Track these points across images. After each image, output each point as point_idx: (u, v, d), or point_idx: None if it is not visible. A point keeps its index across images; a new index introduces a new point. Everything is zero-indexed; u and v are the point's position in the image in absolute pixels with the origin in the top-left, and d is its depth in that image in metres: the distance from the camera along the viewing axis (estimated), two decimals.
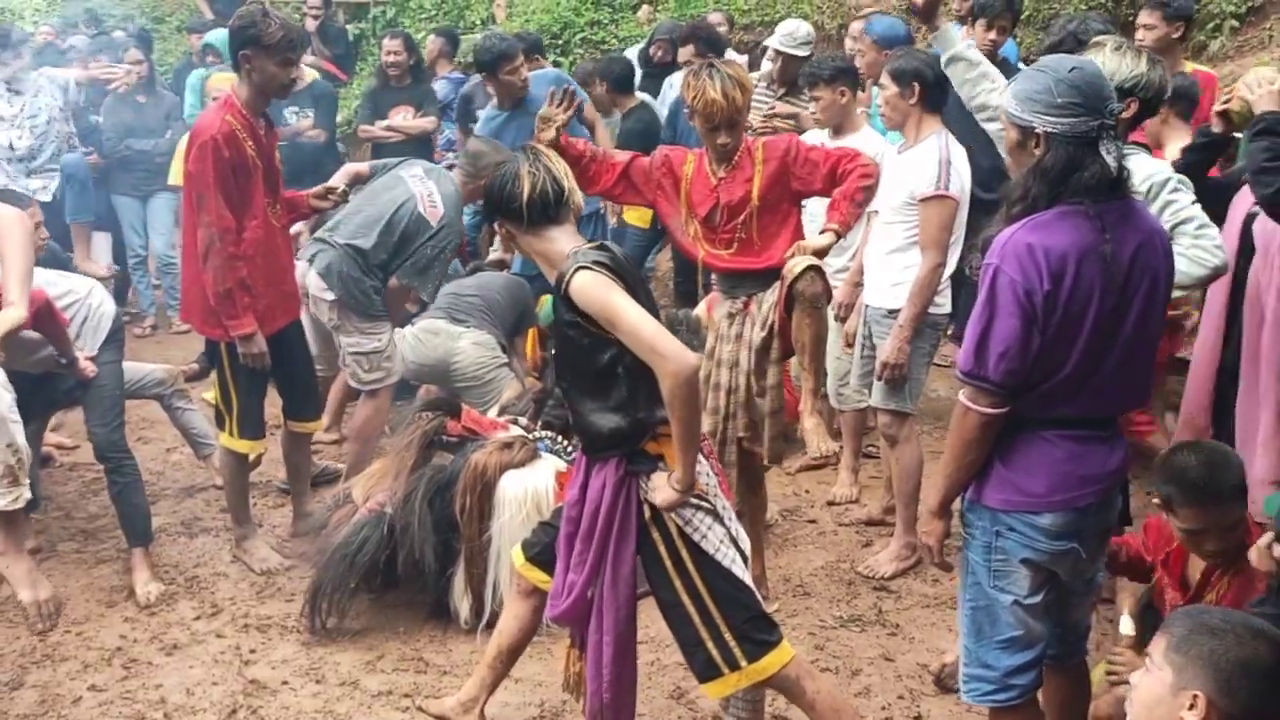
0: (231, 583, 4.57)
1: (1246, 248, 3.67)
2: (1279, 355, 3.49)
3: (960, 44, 3.94)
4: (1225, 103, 3.63)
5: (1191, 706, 2.07)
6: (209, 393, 6.09)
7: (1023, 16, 7.51)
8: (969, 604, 2.80)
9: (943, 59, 3.97)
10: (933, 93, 4.35)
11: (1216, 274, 3.48)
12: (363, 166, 5.18)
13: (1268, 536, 2.54)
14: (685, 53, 6.47)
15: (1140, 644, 3.17)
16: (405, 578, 4.17)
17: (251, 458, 4.74)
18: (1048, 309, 2.52)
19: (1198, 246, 3.38)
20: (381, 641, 4.12)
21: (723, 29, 7.45)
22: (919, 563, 4.57)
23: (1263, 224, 3.60)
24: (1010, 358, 2.54)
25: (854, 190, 3.71)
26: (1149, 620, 3.19)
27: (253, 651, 4.07)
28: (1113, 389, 2.65)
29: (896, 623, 4.22)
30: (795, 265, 3.59)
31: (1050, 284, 2.50)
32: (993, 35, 5.52)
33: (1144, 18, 5.30)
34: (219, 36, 8.85)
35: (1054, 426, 2.64)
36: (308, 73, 8.39)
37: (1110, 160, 2.55)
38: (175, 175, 7.64)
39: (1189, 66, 5.43)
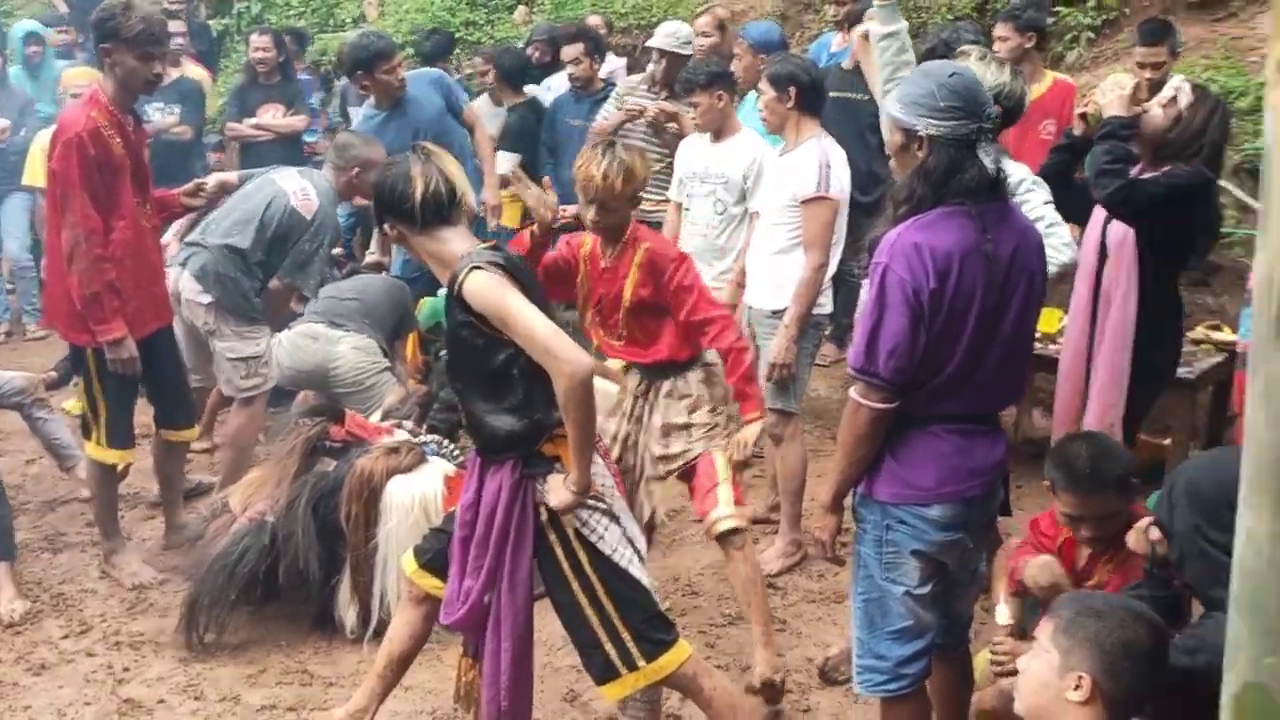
0: (100, 599, 4.38)
1: (1105, 248, 3.85)
2: (1118, 337, 3.71)
3: (901, 23, 3.92)
4: (1084, 106, 3.81)
5: (1077, 687, 2.15)
6: (69, 402, 5.87)
7: None
8: (861, 596, 2.86)
9: (880, 32, 3.91)
10: (809, 96, 4.43)
11: (1064, 270, 3.64)
12: (231, 176, 5.04)
13: (1145, 521, 2.66)
14: (573, 50, 6.44)
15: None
16: (288, 588, 4.06)
17: (120, 468, 4.56)
18: (934, 306, 2.59)
19: (1047, 245, 3.52)
20: (263, 655, 4.01)
21: (602, 32, 7.47)
22: (804, 559, 4.65)
23: (1115, 226, 3.79)
24: (899, 354, 2.61)
25: (747, 373, 3.64)
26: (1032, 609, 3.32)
27: (126, 670, 3.92)
28: (994, 385, 2.74)
29: (783, 619, 4.28)
30: (719, 519, 3.61)
31: (936, 282, 2.58)
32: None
33: (998, 29, 5.56)
34: (37, 25, 8.54)
35: (941, 421, 2.72)
36: (191, 69, 8.17)
37: (989, 162, 2.64)
38: (31, 175, 7.30)
39: (1050, 76, 5.68)
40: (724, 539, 3.66)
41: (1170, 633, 2.37)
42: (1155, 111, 3.69)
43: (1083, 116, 3.79)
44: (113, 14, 4.09)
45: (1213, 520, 2.48)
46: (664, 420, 3.77)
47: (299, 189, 4.80)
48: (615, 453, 3.78)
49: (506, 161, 6.67)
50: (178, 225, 5.29)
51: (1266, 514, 1.14)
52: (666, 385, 3.77)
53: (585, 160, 3.55)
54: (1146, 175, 3.67)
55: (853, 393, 2.70)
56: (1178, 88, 3.68)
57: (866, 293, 2.69)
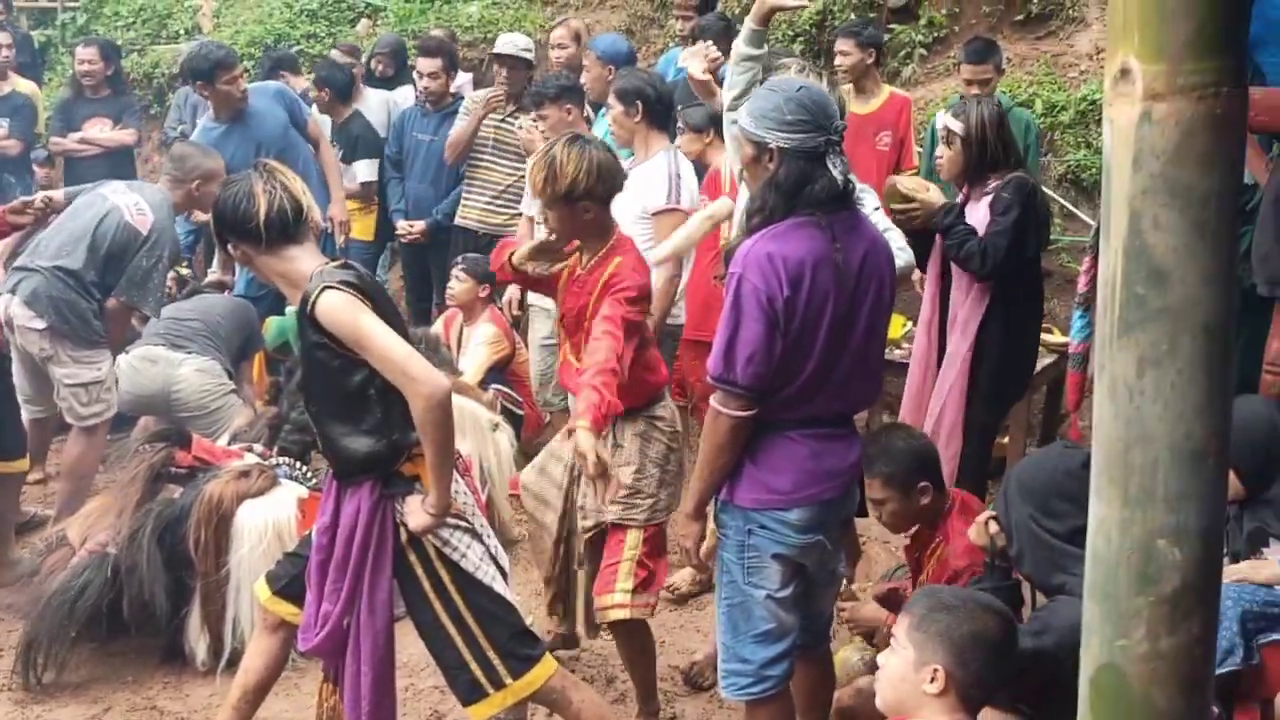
0: None
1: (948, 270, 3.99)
2: (959, 354, 3.87)
3: (764, 49, 3.83)
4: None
5: (932, 679, 2.23)
6: None
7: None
8: (725, 601, 2.90)
9: (744, 53, 3.78)
10: (656, 110, 4.51)
11: (901, 274, 3.78)
12: (58, 193, 4.82)
13: (985, 514, 2.78)
14: (431, 64, 6.37)
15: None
16: (133, 622, 3.88)
17: None
18: (788, 314, 2.66)
19: None
20: (108, 692, 3.83)
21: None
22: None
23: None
24: (756, 361, 2.66)
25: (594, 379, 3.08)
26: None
27: None
28: (848, 389, 2.82)
29: None
30: (609, 606, 3.32)
31: (789, 290, 2.64)
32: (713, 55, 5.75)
33: (840, 45, 5.75)
34: None
35: (797, 427, 2.78)
36: (22, 82, 7.79)
37: (837, 173, 2.72)
38: None
39: (886, 90, 5.89)
40: (614, 625, 3.43)
41: (1015, 620, 2.48)
42: (946, 155, 3.91)
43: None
44: None
45: (1045, 510, 2.64)
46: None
47: (131, 204, 4.62)
48: (564, 481, 3.55)
49: (368, 168, 6.56)
50: (1, 248, 5.03)
51: (1116, 502, 1.21)
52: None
53: (560, 161, 3.16)
54: (989, 226, 3.79)
55: (712, 401, 2.75)
56: (946, 124, 3.88)
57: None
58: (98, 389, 4.58)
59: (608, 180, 3.22)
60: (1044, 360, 5.19)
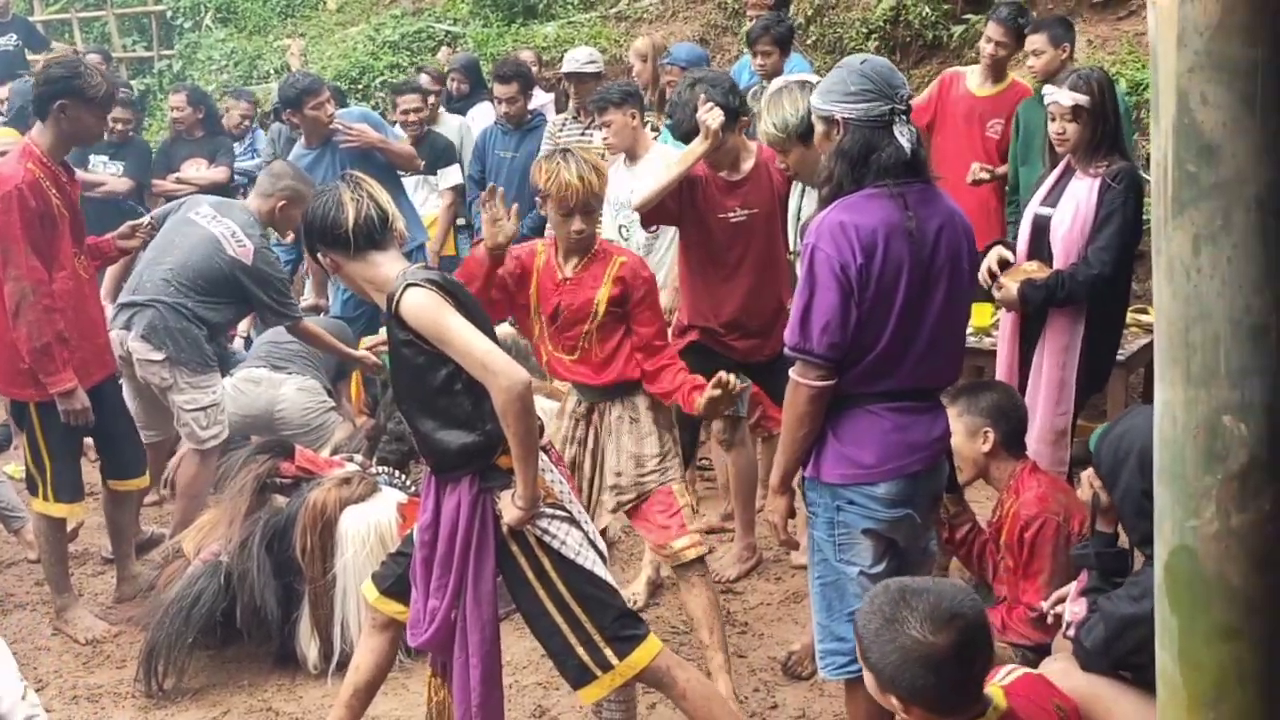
0: (55, 655, 4.30)
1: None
2: (1060, 352, 3.87)
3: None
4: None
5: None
6: (10, 466, 5.79)
7: (810, 41, 7.92)
8: (818, 581, 2.91)
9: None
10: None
11: None
12: (142, 220, 5.00)
13: (1090, 470, 2.75)
14: (508, 90, 6.50)
15: None
16: (246, 627, 4.02)
17: (71, 524, 4.49)
18: (862, 282, 2.68)
19: None
20: (226, 696, 3.97)
21: (533, 68, 7.56)
22: (760, 562, 4.70)
23: (1059, 232, 3.86)
24: (832, 330, 2.68)
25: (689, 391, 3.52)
26: None
27: None
28: (928, 362, 2.82)
29: (745, 621, 4.32)
30: (684, 547, 3.57)
31: (863, 258, 2.66)
32: (759, 61, 5.77)
33: (991, 31, 5.38)
34: None
35: (879, 400, 2.79)
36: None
37: (904, 142, 2.73)
38: None
39: (1010, 76, 5.54)
40: (685, 567, 3.60)
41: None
42: (1070, 129, 3.79)
43: None
44: (76, 73, 4.09)
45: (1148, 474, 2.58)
46: (616, 447, 3.68)
47: (229, 234, 4.76)
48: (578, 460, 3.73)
49: (454, 174, 6.67)
50: (107, 280, 5.26)
51: (1179, 383, 1.21)
52: (615, 409, 3.69)
53: (550, 173, 3.48)
54: (1092, 236, 3.76)
55: (791, 372, 2.77)
56: (1072, 100, 3.75)
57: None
58: (215, 411, 4.77)
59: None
60: (1141, 340, 5.09)
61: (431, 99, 6.82)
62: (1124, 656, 2.55)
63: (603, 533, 3.83)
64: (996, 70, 5.49)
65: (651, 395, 3.67)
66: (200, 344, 4.70)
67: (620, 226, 5.10)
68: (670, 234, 4.96)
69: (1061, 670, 2.71)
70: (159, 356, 4.63)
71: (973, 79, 5.59)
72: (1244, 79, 1.17)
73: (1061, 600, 2.94)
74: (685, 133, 4.06)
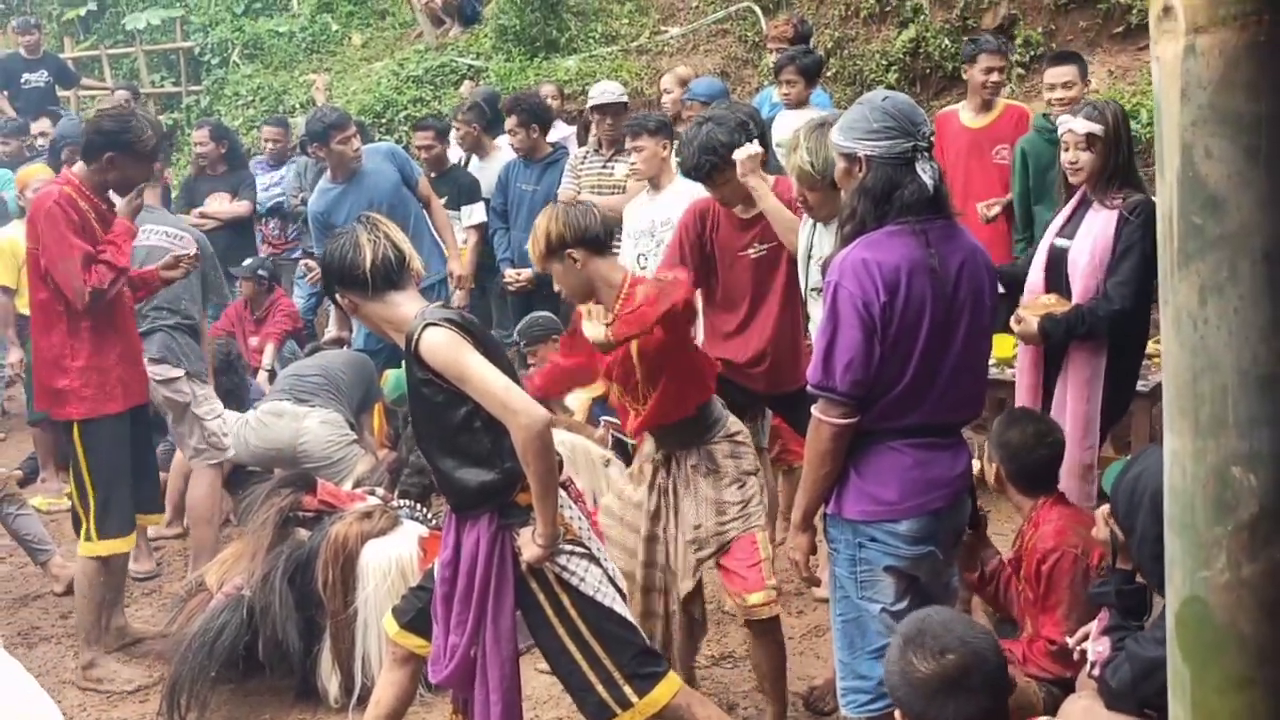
0: (78, 691, 4.32)
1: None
2: (1083, 386, 3.82)
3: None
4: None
5: None
6: (37, 499, 5.84)
7: (830, 73, 7.95)
8: (840, 618, 2.90)
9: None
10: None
11: None
12: (189, 251, 5.07)
13: (1105, 508, 2.73)
14: (509, 123, 6.56)
15: None
16: (268, 661, 4.03)
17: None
18: (885, 319, 2.68)
19: None
20: None
21: (553, 101, 7.61)
22: (780, 595, 4.66)
23: (1077, 266, 3.81)
24: (855, 368, 2.68)
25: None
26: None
27: None
28: (950, 398, 2.81)
29: None
30: (761, 604, 3.44)
31: (886, 295, 2.66)
32: (784, 89, 5.80)
33: (984, 61, 5.45)
34: None
35: (900, 436, 2.78)
36: None
37: (927, 179, 2.74)
38: None
39: (1002, 103, 5.67)
40: (759, 623, 3.51)
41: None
42: (1083, 159, 3.77)
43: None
44: (127, 128, 4.15)
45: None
46: (695, 498, 3.50)
47: (174, 238, 5.01)
48: (644, 528, 3.58)
49: (478, 212, 6.72)
50: None
51: (1188, 433, 1.21)
52: (692, 458, 3.51)
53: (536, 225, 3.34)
54: (1110, 270, 3.72)
55: (814, 410, 2.77)
56: (1087, 130, 3.73)
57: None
58: (224, 418, 4.98)
59: (576, 229, 3.29)
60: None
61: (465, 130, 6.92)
62: (1150, 697, 2.52)
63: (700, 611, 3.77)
64: (991, 99, 5.55)
65: (731, 443, 3.52)
66: (200, 353, 4.95)
67: (639, 255, 5.11)
68: None
69: (1085, 709, 2.69)
70: (178, 373, 4.79)
71: (965, 114, 5.63)
72: (1248, 132, 1.18)
73: (1085, 638, 2.91)
74: (688, 170, 4.04)
